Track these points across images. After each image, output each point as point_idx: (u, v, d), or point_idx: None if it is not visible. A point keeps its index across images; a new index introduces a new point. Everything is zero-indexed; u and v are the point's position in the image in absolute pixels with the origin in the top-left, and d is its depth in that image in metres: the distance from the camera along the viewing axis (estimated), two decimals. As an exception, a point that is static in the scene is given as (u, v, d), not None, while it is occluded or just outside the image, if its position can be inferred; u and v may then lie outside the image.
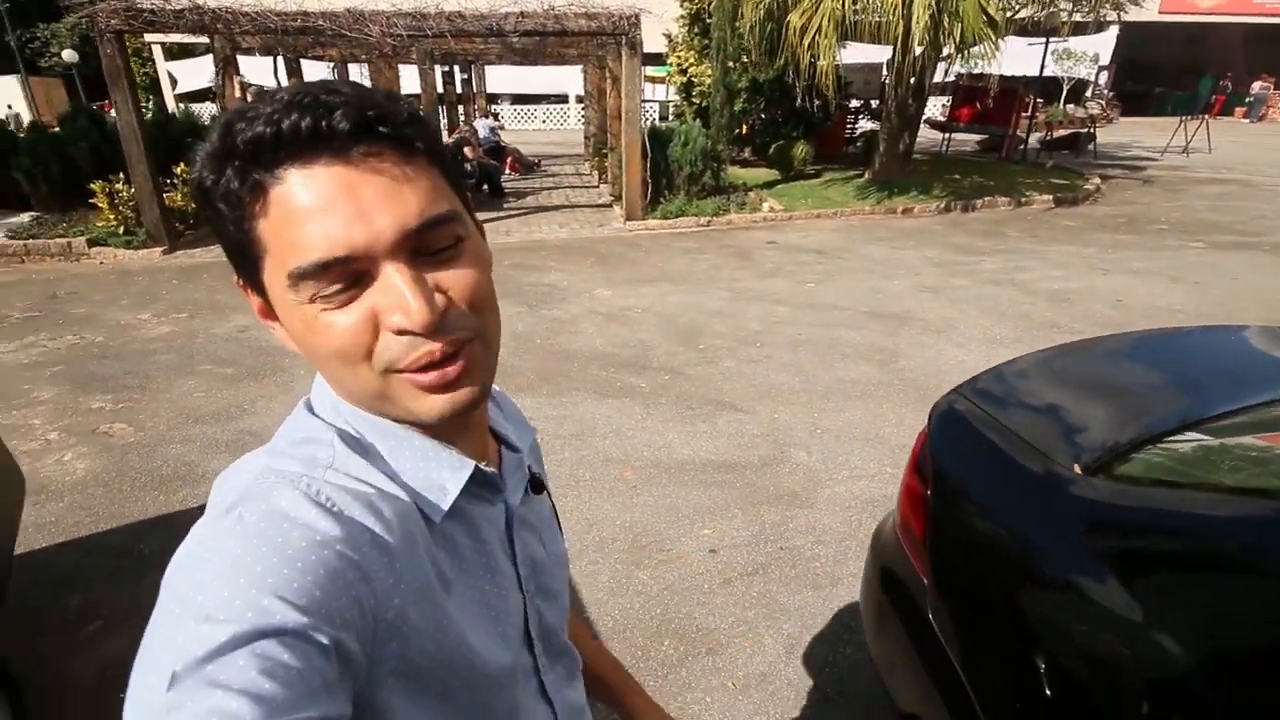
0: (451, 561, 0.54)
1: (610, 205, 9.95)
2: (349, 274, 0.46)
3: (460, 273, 0.50)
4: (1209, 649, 0.93)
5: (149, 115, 8.46)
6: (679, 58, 12.93)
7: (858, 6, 7.49)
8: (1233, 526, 1.05)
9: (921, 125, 11.28)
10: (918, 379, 4.12)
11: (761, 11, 8.56)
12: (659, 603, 2.42)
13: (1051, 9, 9.60)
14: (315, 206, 0.45)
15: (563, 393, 4.05)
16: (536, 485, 0.66)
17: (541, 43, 10.16)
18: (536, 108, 25.21)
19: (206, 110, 16.10)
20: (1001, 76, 11.17)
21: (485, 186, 10.73)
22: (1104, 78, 21.42)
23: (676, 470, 3.24)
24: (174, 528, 2.82)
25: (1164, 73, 24.13)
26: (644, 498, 3.04)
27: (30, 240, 7.50)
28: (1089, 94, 19.49)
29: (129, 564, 2.65)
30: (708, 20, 11.53)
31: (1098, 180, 10.76)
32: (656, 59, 13.63)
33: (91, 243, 7.49)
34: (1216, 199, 9.51)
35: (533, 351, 4.68)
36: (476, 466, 0.56)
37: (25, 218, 8.41)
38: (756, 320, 5.20)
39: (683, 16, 12.61)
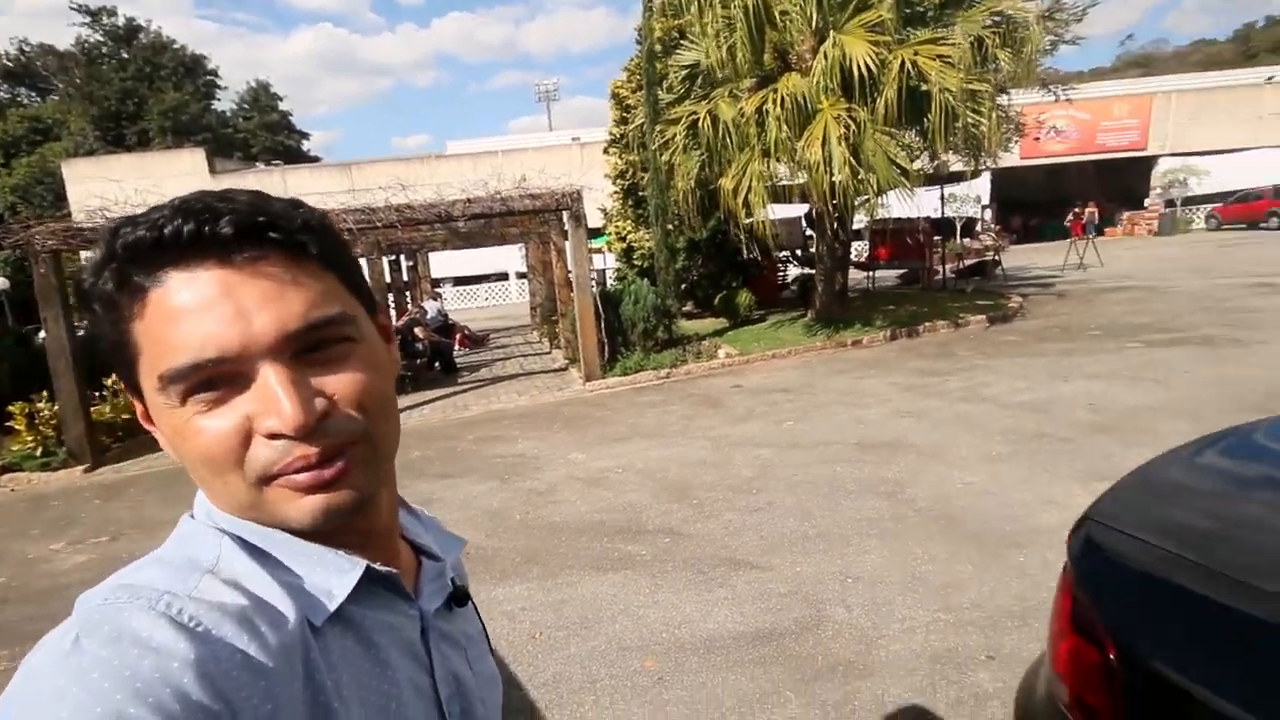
0: (339, 674, 0.47)
1: (566, 368, 9.91)
2: (221, 376, 0.45)
3: (347, 376, 0.48)
4: None
5: (82, 331, 8.14)
6: (617, 227, 13.80)
7: (781, 165, 8.19)
8: None
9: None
10: (933, 507, 3.88)
11: (691, 180, 9.29)
12: (730, 840, 1.91)
13: (941, 161, 10.86)
14: (191, 308, 0.44)
15: (555, 573, 3.59)
16: (460, 598, 0.61)
17: (486, 225, 10.61)
18: (479, 287, 26.18)
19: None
20: (906, 219, 12.39)
21: (438, 364, 10.61)
22: (989, 214, 24.18)
23: (705, 650, 2.79)
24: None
25: (1037, 205, 27.36)
26: (675, 691, 2.56)
27: (-71, 473, 6.77)
28: (978, 228, 21.91)
29: None
30: (641, 193, 12.46)
31: (1018, 299, 11.54)
32: (593, 231, 14.54)
33: (2, 469, 6.80)
34: (1129, 304, 10.25)
35: (512, 530, 4.24)
36: (369, 566, 0.50)
37: (-73, 449, 7.67)
38: (745, 466, 4.95)
39: (616, 191, 13.64)
